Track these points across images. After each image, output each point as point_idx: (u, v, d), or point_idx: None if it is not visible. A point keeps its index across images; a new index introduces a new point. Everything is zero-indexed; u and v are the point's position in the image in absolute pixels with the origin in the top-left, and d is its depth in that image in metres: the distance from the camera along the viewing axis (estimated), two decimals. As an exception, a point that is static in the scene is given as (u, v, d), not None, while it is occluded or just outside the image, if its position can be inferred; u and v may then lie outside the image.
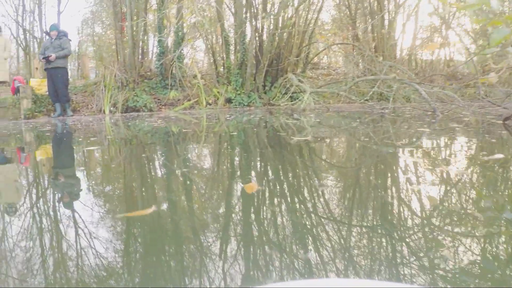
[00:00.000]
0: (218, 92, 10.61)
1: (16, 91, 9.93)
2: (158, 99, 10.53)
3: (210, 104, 10.47)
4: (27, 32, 17.41)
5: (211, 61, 12.24)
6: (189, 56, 13.33)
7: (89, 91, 10.62)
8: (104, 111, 9.71)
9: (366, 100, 8.76)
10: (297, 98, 10.19)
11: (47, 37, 9.63)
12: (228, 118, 7.00)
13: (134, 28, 11.24)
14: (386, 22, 13.72)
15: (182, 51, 11.32)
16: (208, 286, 0.80)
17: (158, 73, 11.27)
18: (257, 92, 10.94)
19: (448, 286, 0.77)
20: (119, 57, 11.23)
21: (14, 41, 17.07)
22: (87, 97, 10.37)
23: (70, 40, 9.73)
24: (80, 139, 4.50)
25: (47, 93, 9.66)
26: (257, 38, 11.27)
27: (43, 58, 9.26)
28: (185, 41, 11.46)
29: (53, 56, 9.13)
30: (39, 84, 10.09)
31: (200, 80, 10.66)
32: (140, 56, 11.69)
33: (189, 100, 10.44)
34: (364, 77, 9.12)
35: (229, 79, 11.10)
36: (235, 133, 4.47)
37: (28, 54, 16.51)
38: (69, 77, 9.86)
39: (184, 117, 7.67)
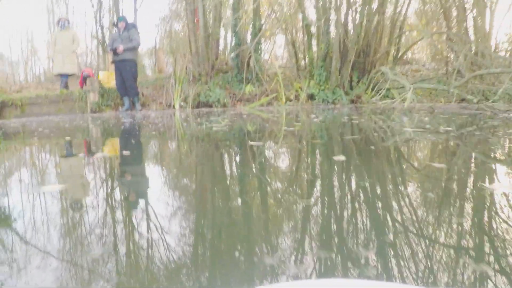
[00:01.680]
0: (299, 87, 9.62)
1: (84, 78, 9.59)
2: (233, 94, 9.74)
3: (290, 100, 9.50)
4: (104, 28, 17.52)
5: (291, 52, 11.25)
6: (267, 50, 12.46)
7: (159, 85, 10.06)
8: (173, 106, 9.07)
9: (482, 100, 7.31)
10: (387, 96, 8.95)
11: (115, 29, 9.18)
12: (313, 118, 5.98)
13: (208, 19, 10.58)
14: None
15: (259, 43, 10.47)
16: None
17: (234, 67, 10.51)
18: (342, 87, 9.80)
19: (448, 286, 0.74)
20: (191, 49, 10.58)
21: (84, 35, 17.17)
22: (157, 91, 9.81)
23: (139, 32, 9.21)
24: (148, 135, 4.12)
25: (116, 86, 9.21)
26: (342, 27, 10.13)
27: (111, 50, 8.80)
28: (262, 32, 10.60)
29: (120, 48, 8.64)
30: (108, 77, 9.67)
31: (280, 74, 9.72)
32: (214, 49, 11.00)
33: (267, 95, 9.54)
34: (484, 70, 7.67)
35: (312, 72, 10.06)
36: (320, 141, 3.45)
37: (105, 50, 16.51)
38: (137, 70, 9.33)
39: (261, 114, 6.76)
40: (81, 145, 3.54)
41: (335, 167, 1.89)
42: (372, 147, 2.60)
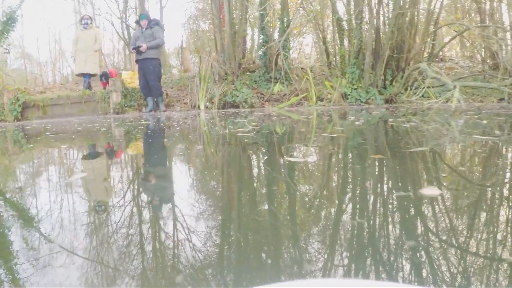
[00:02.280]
0: (331, 86, 9.18)
1: (101, 75, 9.37)
2: (261, 94, 9.37)
3: (321, 100, 9.07)
4: (130, 28, 17.37)
5: (322, 49, 10.82)
6: (296, 47, 12.04)
7: (184, 84, 9.78)
8: (198, 106, 8.77)
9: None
10: (422, 95, 8.43)
11: (139, 27, 8.93)
12: (353, 120, 5.56)
13: (234, 16, 10.24)
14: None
15: (288, 40, 10.06)
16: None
17: (261, 65, 10.15)
18: (375, 86, 9.31)
19: (448, 286, 0.74)
20: (217, 47, 10.25)
21: (111, 35, 17.10)
22: (182, 91, 9.53)
23: (163, 30, 8.94)
24: (172, 137, 3.93)
25: (139, 86, 8.98)
26: (375, 22, 9.64)
27: (133, 49, 8.55)
28: (290, 28, 10.19)
29: (144, 46, 8.38)
30: (131, 77, 9.46)
31: (310, 72, 9.30)
32: (241, 47, 10.66)
33: (297, 95, 9.14)
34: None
35: (344, 71, 9.60)
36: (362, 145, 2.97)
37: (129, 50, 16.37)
38: (161, 69, 9.06)
39: (292, 115, 6.37)
40: (102, 147, 3.42)
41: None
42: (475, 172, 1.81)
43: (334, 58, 10.64)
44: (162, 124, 5.83)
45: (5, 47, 11.70)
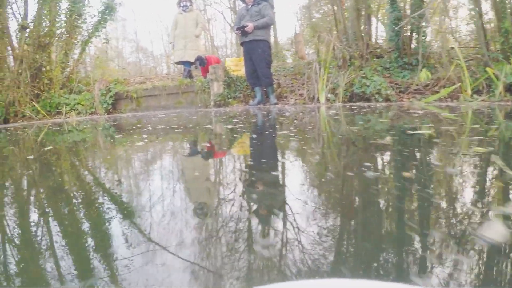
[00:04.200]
0: (493, 74, 7.07)
1: (196, 61, 8.25)
2: (396, 84, 7.55)
3: (477, 93, 7.01)
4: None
5: (478, 26, 8.64)
6: (437, 25, 9.92)
7: (299, 72, 8.30)
8: (318, 99, 7.21)
9: None
10: None
11: (242, 4, 7.64)
12: None
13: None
14: None
15: (423, 16, 8.11)
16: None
17: (393, 48, 8.33)
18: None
19: (448, 286, 0.70)
20: (337, 25, 8.59)
21: (223, 26, 16.46)
22: (297, 80, 8.05)
23: (273, 7, 7.54)
24: (286, 139, 2.80)
25: (245, 74, 7.69)
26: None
27: (237, 29, 7.27)
28: (430, 1, 8.22)
29: (250, 26, 7.05)
30: (236, 64, 8.20)
31: (461, 56, 7.27)
32: (366, 27, 8.91)
33: (443, 86, 7.18)
34: None
35: (507, 53, 7.43)
36: None
37: (232, 31, 15.41)
38: (271, 53, 7.66)
39: (448, 115, 4.54)
40: (202, 146, 2.87)
41: None
42: None
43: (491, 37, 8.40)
44: (273, 120, 4.51)
45: (104, 37, 11.28)
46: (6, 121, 9.36)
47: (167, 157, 2.38)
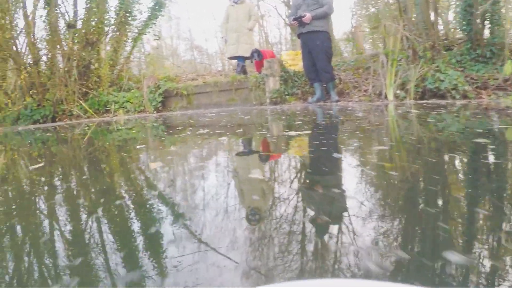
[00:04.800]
0: None
1: (252, 53, 7.79)
2: (472, 79, 6.79)
3: None
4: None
5: None
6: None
7: (362, 66, 7.68)
8: (385, 95, 6.57)
9: None
10: None
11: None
12: None
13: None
14: None
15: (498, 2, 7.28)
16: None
17: (464, 39, 7.55)
18: None
19: (448, 286, 0.70)
20: (401, 13, 7.86)
21: (277, 22, 16.11)
22: (359, 75, 7.44)
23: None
24: (352, 146, 2.29)
25: (304, 69, 7.17)
26: None
27: (294, 20, 6.75)
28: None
29: (307, 16, 6.52)
30: (293, 58, 7.68)
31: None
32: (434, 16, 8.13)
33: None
34: None
35: None
36: None
37: (288, 23, 14.83)
38: (331, 45, 7.09)
39: None
40: (256, 145, 2.69)
41: None
42: None
43: None
44: (334, 120, 4.03)
45: (155, 34, 11.11)
46: (54, 119, 9.31)
47: (223, 159, 2.19)
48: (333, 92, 6.81)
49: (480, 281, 0.72)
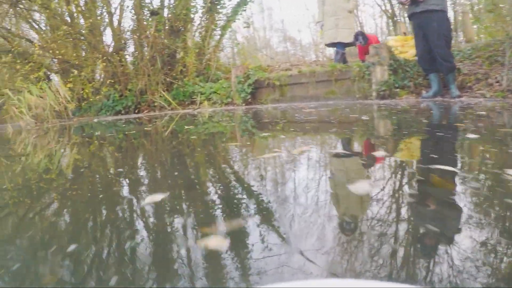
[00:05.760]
0: None
1: (356, 35, 6.98)
2: None
3: None
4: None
5: None
6: None
7: (481, 56, 6.60)
8: (524, 90, 5.50)
9: None
10: None
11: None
12: None
13: None
14: None
15: None
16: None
17: None
18: None
19: (449, 286, 0.72)
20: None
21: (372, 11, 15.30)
22: (482, 67, 6.38)
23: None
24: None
25: (416, 58, 6.24)
26: None
27: (405, -2, 5.88)
28: None
29: (421, -8, 5.62)
30: (402, 44, 6.76)
31: None
32: None
33: None
34: None
35: None
36: None
37: (392, 19, 13.59)
38: (450, 28, 6.11)
39: None
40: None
41: None
42: None
43: None
44: (456, 121, 3.39)
45: (245, 21, 10.67)
46: (136, 110, 9.13)
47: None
48: (454, 86, 5.84)
49: None
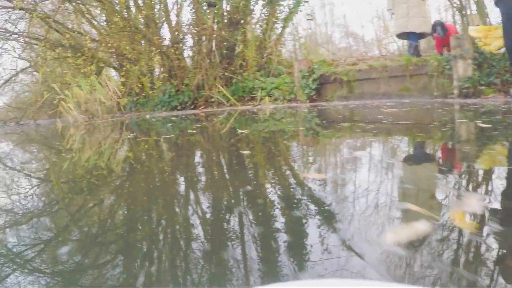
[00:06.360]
0: None
1: (434, 26, 6.45)
2: None
3: None
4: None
5: None
6: None
7: None
8: None
9: None
10: None
11: None
12: None
13: None
14: None
15: None
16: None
17: None
18: None
19: (448, 286, 0.72)
20: None
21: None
22: None
23: None
24: None
25: (501, 50, 5.70)
26: None
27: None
28: None
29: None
30: (485, 35, 6.21)
31: None
32: None
33: None
34: None
35: None
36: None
37: (460, 12, 12.59)
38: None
39: None
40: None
41: None
42: None
43: None
44: None
45: (308, 13, 10.37)
46: (193, 106, 8.99)
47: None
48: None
49: None
